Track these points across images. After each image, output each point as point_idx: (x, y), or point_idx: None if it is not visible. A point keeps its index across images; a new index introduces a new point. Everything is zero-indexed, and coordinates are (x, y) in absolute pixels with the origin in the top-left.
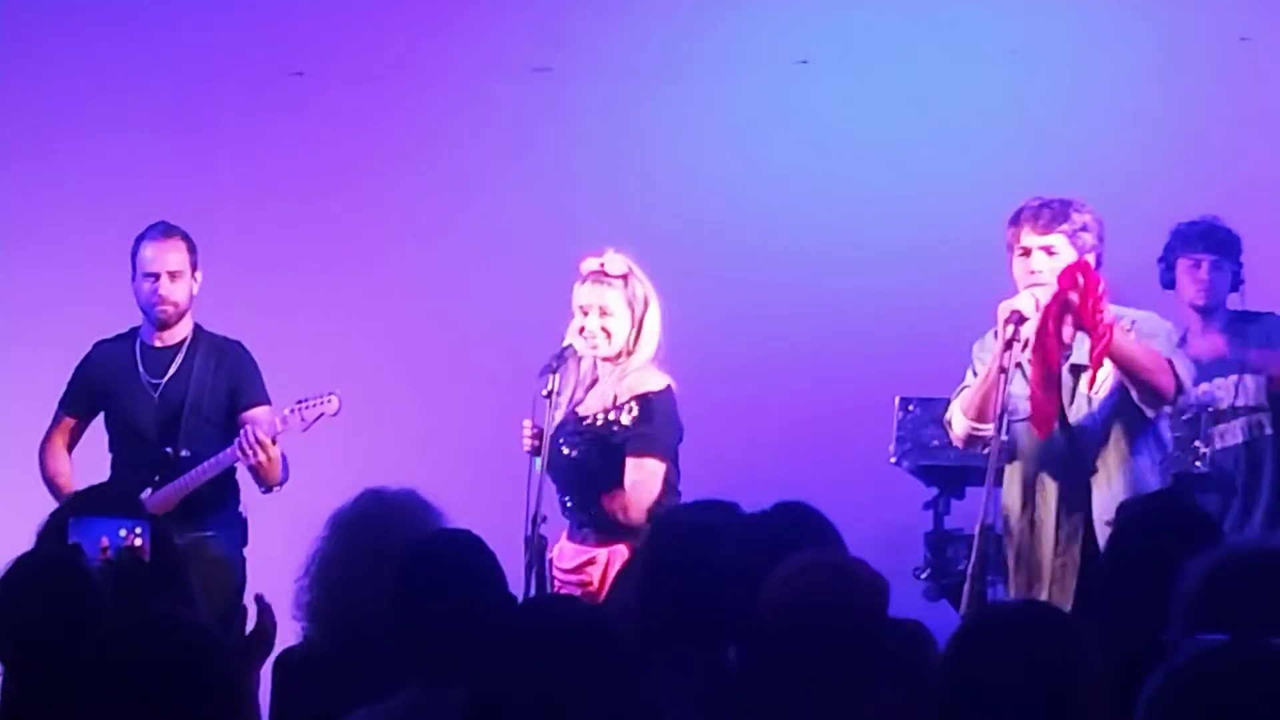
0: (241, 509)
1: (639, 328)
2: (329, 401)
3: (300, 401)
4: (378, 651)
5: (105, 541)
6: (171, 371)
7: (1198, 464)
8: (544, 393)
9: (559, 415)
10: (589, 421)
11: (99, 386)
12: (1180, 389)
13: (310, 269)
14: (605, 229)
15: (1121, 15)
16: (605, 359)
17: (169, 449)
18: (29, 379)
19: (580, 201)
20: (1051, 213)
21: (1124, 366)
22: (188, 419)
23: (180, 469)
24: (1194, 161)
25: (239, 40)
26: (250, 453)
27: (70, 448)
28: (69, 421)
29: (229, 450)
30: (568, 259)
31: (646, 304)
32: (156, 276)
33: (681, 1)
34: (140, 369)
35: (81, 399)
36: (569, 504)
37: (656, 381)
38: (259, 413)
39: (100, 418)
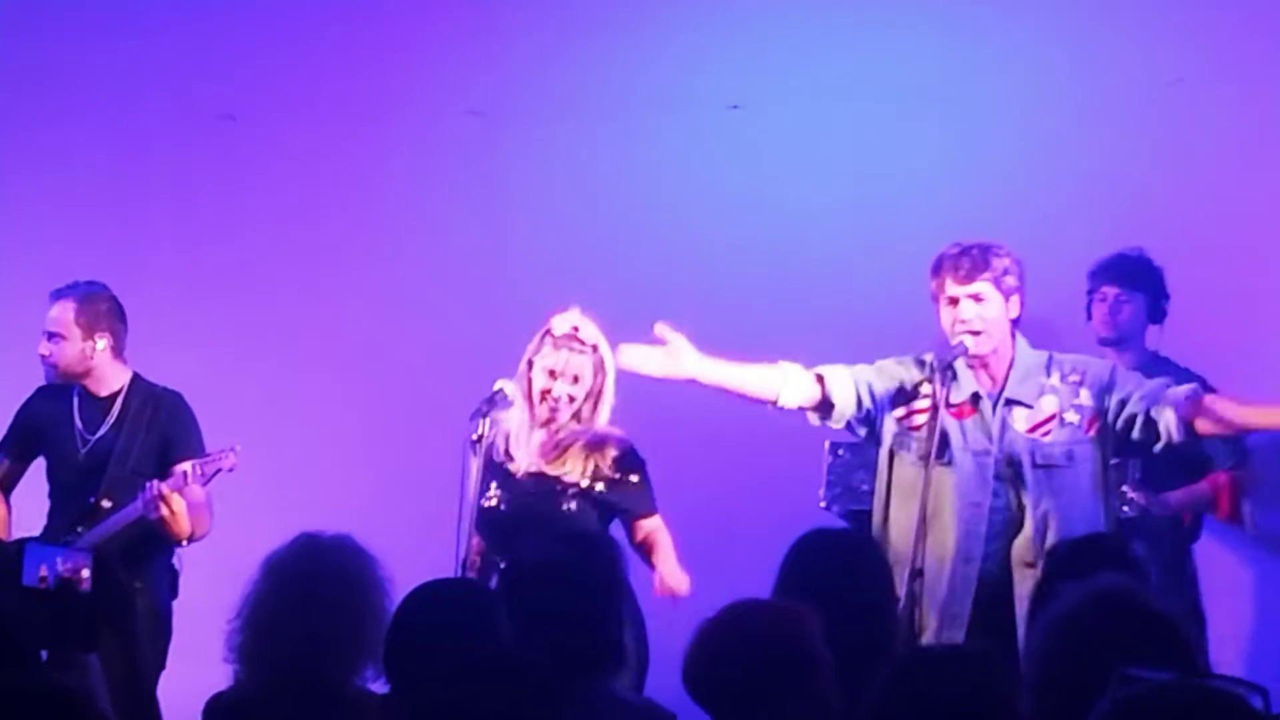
0: (175, 560)
1: (599, 395)
2: (226, 457)
3: (202, 457)
4: (308, 695)
5: (44, 570)
6: (108, 423)
7: (1125, 509)
8: (474, 437)
9: (518, 466)
10: (573, 484)
11: (35, 433)
12: None
13: (243, 312)
14: (539, 271)
15: (1052, 58)
16: (555, 419)
17: (93, 499)
18: None
19: (514, 244)
20: (971, 261)
21: None
22: (113, 470)
23: (102, 520)
24: (1124, 203)
25: (168, 83)
26: (151, 507)
27: (8, 491)
28: (5, 464)
29: (135, 504)
30: (501, 300)
31: (607, 372)
32: (44, 334)
33: (614, 45)
34: (76, 418)
35: (19, 443)
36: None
37: (623, 440)
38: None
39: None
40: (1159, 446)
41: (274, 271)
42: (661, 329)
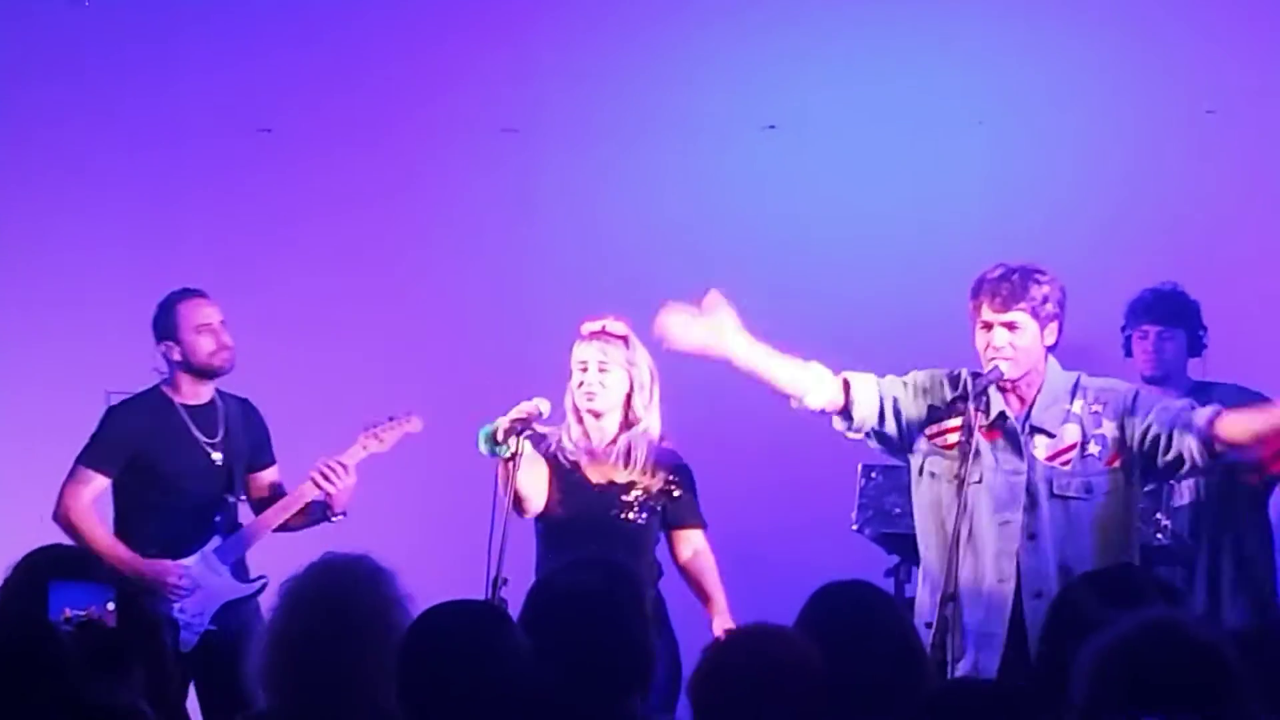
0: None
1: (649, 395)
2: (410, 421)
3: (375, 424)
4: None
5: (68, 612)
6: (220, 429)
7: (1159, 536)
8: (506, 455)
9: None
10: (639, 492)
11: (137, 445)
12: None
13: (275, 325)
14: (570, 290)
15: (1089, 86)
16: (597, 414)
17: (229, 497)
18: None
19: (545, 262)
20: (1010, 287)
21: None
22: (239, 473)
23: (235, 516)
24: (1160, 231)
25: (206, 95)
26: (332, 479)
27: (92, 501)
28: (100, 479)
29: (302, 487)
30: (532, 318)
31: (652, 374)
32: (206, 331)
33: (650, 64)
34: (194, 430)
35: (116, 459)
36: None
37: (675, 452)
38: (273, 473)
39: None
40: (1184, 471)
41: (306, 284)
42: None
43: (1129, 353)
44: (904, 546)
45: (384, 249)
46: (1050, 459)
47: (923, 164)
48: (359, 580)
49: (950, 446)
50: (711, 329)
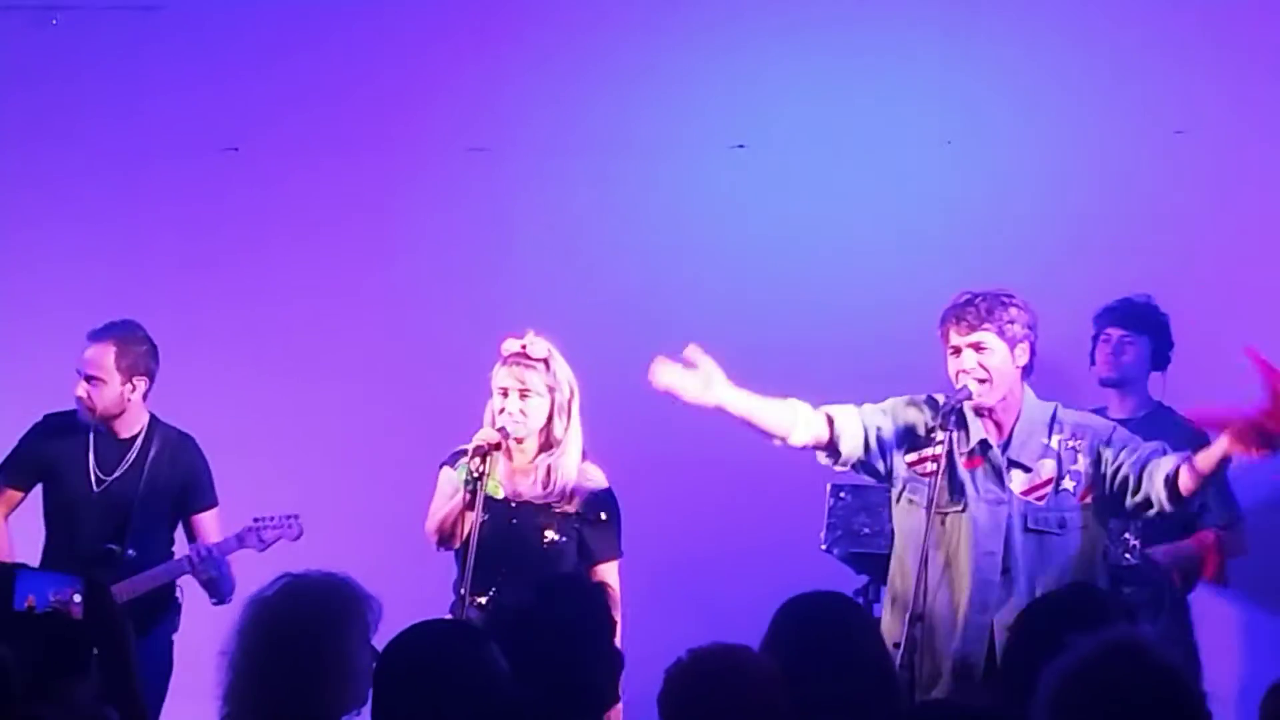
0: (178, 593)
1: (568, 416)
2: (290, 526)
3: (258, 520)
4: None
5: (32, 599)
6: (124, 466)
7: (1127, 556)
8: (475, 474)
9: (499, 491)
10: (558, 512)
11: (42, 464)
12: None
13: (243, 344)
14: (539, 309)
15: (1059, 107)
16: (519, 440)
17: (114, 546)
18: None
19: (514, 281)
20: (975, 311)
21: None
22: (136, 517)
23: (125, 568)
24: (1128, 251)
25: (173, 113)
26: (202, 569)
27: (5, 517)
28: (11, 494)
29: (179, 561)
30: (502, 337)
31: (572, 391)
32: (79, 375)
33: (620, 83)
34: (90, 456)
35: (21, 472)
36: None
37: (602, 479)
38: (210, 519)
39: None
40: (1152, 513)
41: (274, 302)
42: (694, 352)
43: (1093, 360)
44: (873, 566)
45: (352, 267)
46: (1026, 493)
47: (891, 183)
48: (320, 600)
49: (929, 474)
50: (701, 382)
